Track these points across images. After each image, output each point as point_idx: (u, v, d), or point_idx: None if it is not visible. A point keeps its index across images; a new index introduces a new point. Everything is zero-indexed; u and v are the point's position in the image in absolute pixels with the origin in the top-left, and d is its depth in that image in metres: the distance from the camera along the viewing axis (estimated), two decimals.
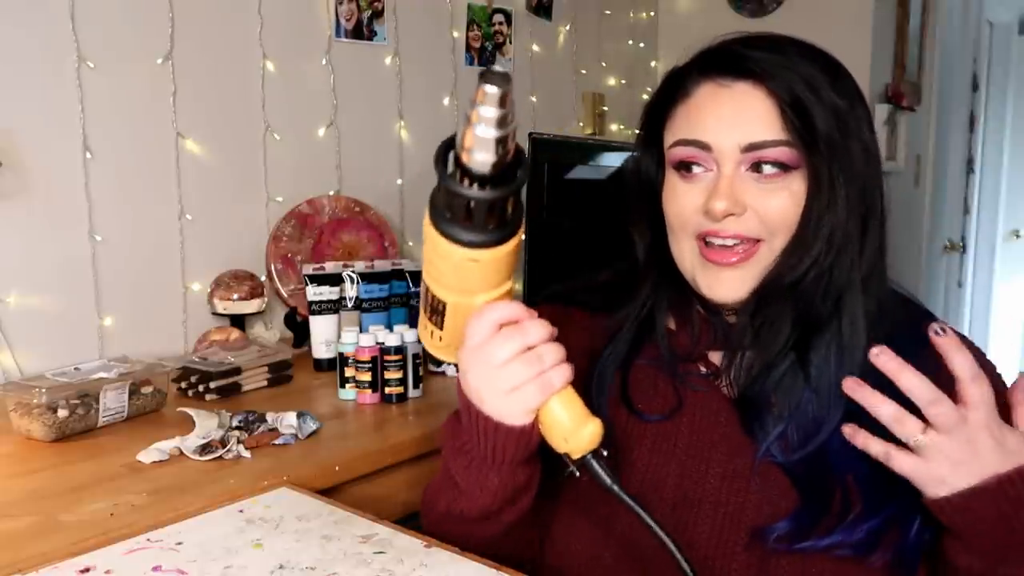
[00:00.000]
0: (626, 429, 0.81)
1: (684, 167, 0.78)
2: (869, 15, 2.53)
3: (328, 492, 0.99)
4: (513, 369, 0.65)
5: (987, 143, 4.16)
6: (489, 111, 0.57)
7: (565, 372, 0.67)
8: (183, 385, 1.31)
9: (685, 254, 0.79)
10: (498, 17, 2.22)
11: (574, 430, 0.67)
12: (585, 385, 0.82)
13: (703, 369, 0.82)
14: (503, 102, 0.57)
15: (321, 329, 1.50)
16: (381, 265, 1.62)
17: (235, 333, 1.51)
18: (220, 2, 1.63)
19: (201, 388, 1.29)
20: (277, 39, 1.72)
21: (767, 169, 0.74)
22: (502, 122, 0.57)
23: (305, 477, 0.98)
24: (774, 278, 0.75)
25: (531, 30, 2.33)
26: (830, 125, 0.73)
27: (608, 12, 2.62)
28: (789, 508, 0.73)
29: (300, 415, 1.13)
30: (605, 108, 2.60)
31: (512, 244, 0.63)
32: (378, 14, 1.91)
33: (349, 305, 1.54)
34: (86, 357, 1.38)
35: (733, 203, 0.74)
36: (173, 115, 1.57)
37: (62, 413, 1.10)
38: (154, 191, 1.56)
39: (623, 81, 2.68)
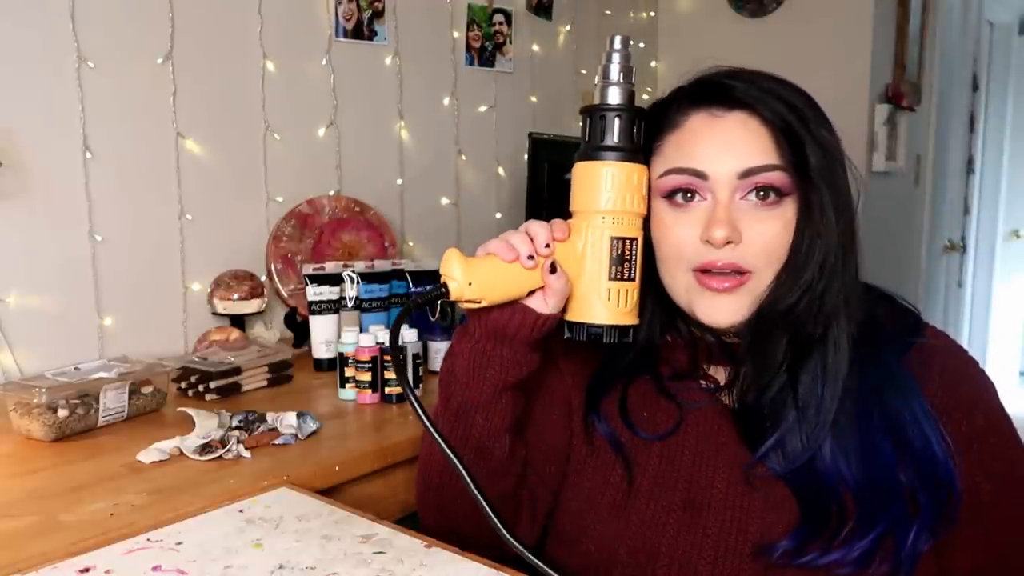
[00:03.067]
0: (633, 440, 0.85)
1: (677, 196, 0.79)
2: (869, 15, 2.53)
3: (328, 492, 0.99)
4: (511, 233, 0.77)
5: (987, 143, 4.16)
6: (619, 47, 0.77)
7: (501, 249, 0.75)
8: (183, 385, 1.31)
9: (680, 284, 0.80)
10: (498, 17, 2.22)
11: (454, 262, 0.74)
12: (589, 396, 0.88)
13: (703, 383, 0.85)
14: (626, 44, 0.78)
15: (321, 329, 1.50)
16: (381, 265, 1.62)
17: (235, 333, 1.51)
18: (220, 2, 1.63)
19: (201, 388, 1.29)
20: (277, 39, 1.72)
21: (762, 196, 0.76)
22: (627, 59, 0.78)
23: (305, 477, 0.98)
24: (769, 304, 0.77)
25: (531, 30, 2.33)
26: (819, 155, 0.76)
27: (608, 12, 2.62)
28: (791, 514, 0.76)
29: (300, 415, 1.13)
30: None
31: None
32: (378, 14, 1.92)
33: (349, 305, 1.54)
34: (86, 357, 1.38)
35: (732, 230, 0.75)
36: (173, 115, 1.57)
37: (62, 413, 1.10)
38: (154, 191, 1.56)
39: None
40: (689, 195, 0.78)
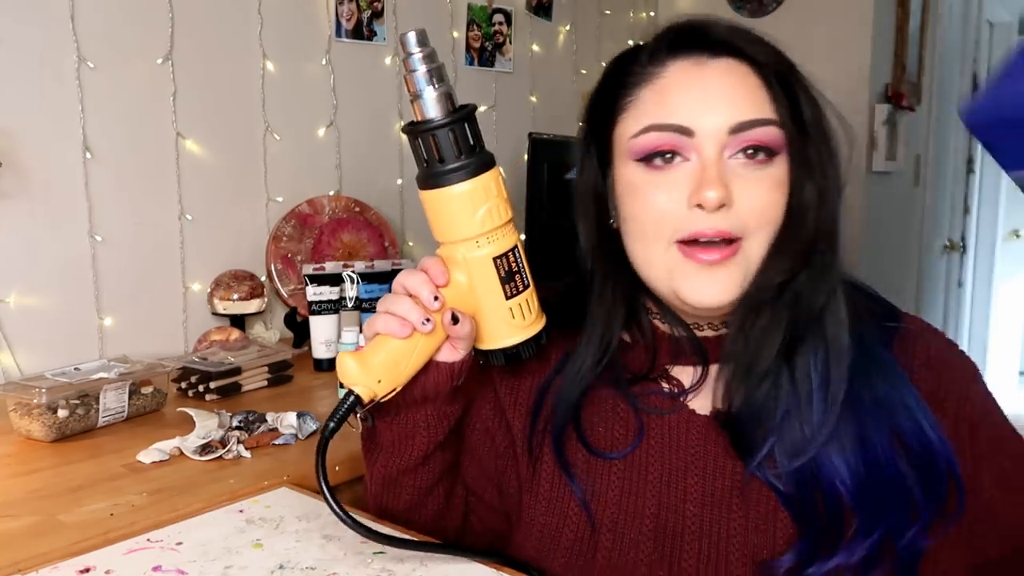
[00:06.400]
0: (589, 462, 0.75)
1: (657, 157, 0.69)
2: (869, 15, 2.53)
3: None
4: (389, 297, 0.70)
5: None
6: (415, 50, 0.67)
7: (392, 327, 0.68)
8: (183, 385, 1.31)
9: (659, 262, 0.70)
10: (498, 17, 2.22)
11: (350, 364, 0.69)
12: (534, 414, 0.79)
13: (666, 387, 0.76)
14: (422, 41, 0.67)
15: (321, 329, 1.50)
16: (381, 265, 1.62)
17: (235, 333, 1.51)
18: (220, 2, 1.63)
19: (201, 388, 1.29)
20: (277, 39, 1.72)
21: (751, 154, 0.68)
22: (430, 59, 0.67)
23: (305, 477, 0.98)
24: (765, 277, 0.69)
25: (531, 30, 2.33)
26: (812, 107, 0.69)
27: (608, 12, 2.62)
28: (777, 531, 0.69)
29: (300, 415, 1.13)
30: None
31: (491, 173, 0.70)
32: (378, 14, 1.92)
33: (349, 305, 1.54)
34: (86, 357, 1.38)
35: (726, 191, 0.66)
36: (173, 115, 1.57)
37: (62, 413, 1.10)
38: (154, 191, 1.56)
39: None
40: (669, 156, 0.68)
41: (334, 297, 1.51)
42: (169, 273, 1.58)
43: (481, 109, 2.20)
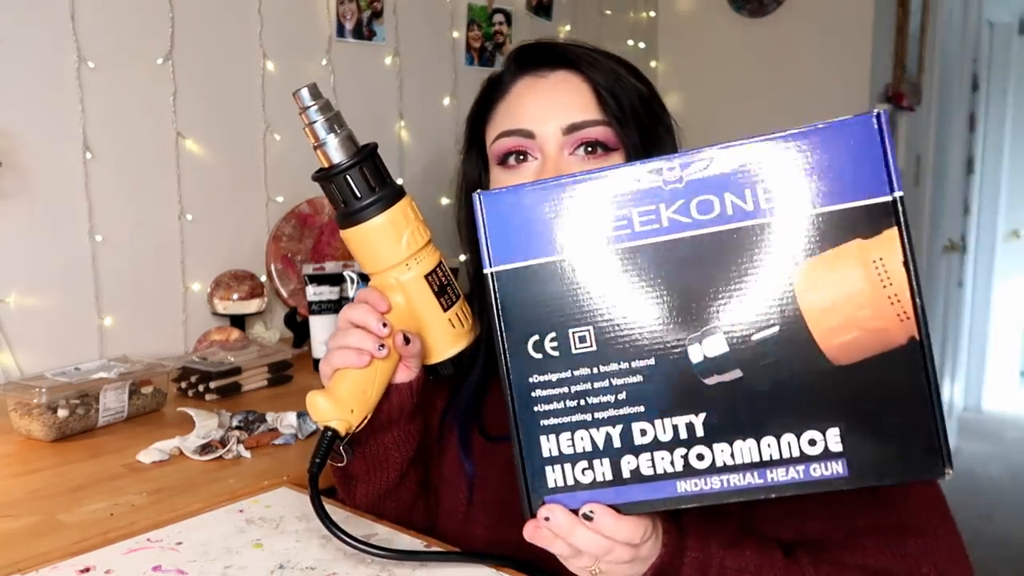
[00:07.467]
0: (484, 450, 0.84)
1: (510, 158, 0.81)
2: (869, 15, 2.53)
3: (328, 492, 0.99)
4: (339, 333, 0.74)
5: (987, 143, 4.17)
6: (310, 103, 0.71)
7: (350, 359, 0.71)
8: (183, 385, 1.31)
9: None
10: (498, 17, 2.22)
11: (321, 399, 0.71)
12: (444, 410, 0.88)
13: None
14: (316, 94, 0.72)
15: (321, 329, 1.50)
16: None
17: (235, 333, 1.51)
18: (220, 2, 1.63)
19: (201, 388, 1.29)
20: (277, 39, 1.72)
21: (590, 151, 0.78)
22: (327, 108, 0.72)
23: (305, 477, 0.97)
24: None
25: (531, 30, 2.33)
26: (638, 107, 0.79)
27: (608, 12, 2.62)
28: None
29: (300, 415, 1.13)
30: None
31: (404, 201, 0.75)
32: (378, 14, 1.92)
33: None
34: (86, 357, 1.38)
35: None
36: (173, 115, 1.57)
37: (62, 413, 1.10)
38: (154, 191, 1.56)
39: None
40: (521, 156, 0.80)
41: (334, 297, 1.51)
42: (169, 273, 1.58)
43: None
